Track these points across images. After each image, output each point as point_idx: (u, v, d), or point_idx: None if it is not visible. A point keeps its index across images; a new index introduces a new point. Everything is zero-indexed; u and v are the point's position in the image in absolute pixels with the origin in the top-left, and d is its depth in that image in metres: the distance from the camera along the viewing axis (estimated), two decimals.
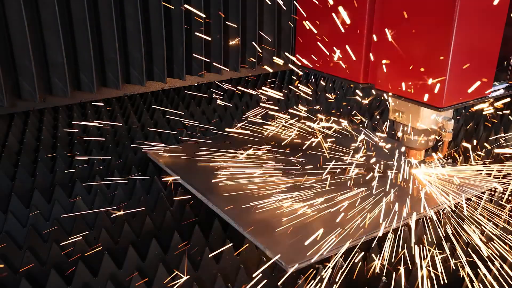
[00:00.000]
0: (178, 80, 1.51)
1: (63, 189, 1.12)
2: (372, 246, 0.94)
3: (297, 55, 1.20)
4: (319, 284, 0.88)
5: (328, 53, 1.13)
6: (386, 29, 0.98)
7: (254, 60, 1.61)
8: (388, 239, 0.96)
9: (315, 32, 1.13)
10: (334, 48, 1.10)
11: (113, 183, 1.17)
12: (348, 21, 1.05)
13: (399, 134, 1.11)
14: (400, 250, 0.97)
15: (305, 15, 1.15)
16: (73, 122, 1.50)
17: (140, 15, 1.27)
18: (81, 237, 0.95)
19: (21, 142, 1.39)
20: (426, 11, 0.92)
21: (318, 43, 1.14)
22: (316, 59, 1.16)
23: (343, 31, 1.07)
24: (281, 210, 1.00)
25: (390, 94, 1.01)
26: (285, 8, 1.60)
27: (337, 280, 0.90)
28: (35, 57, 1.16)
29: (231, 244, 0.94)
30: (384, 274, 0.94)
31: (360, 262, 0.93)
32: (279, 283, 0.90)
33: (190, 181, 1.11)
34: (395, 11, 0.96)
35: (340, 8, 1.05)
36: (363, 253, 0.94)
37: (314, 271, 0.89)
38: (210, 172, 1.16)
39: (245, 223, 0.94)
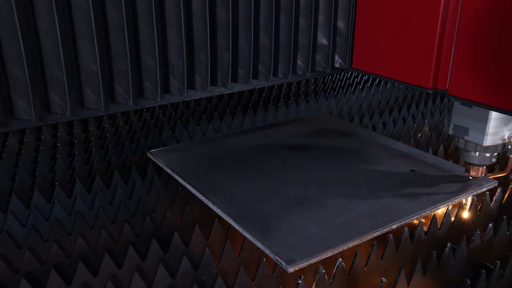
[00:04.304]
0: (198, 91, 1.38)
1: (63, 189, 1.12)
2: (373, 245, 0.94)
3: (355, 59, 1.14)
4: (319, 284, 0.88)
5: (392, 57, 1.06)
6: (463, 30, 0.90)
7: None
8: (389, 238, 0.96)
9: (378, 33, 1.07)
10: (400, 51, 1.04)
11: (113, 183, 1.17)
12: (417, 21, 0.98)
13: (459, 147, 1.05)
14: (400, 249, 0.98)
15: (366, 15, 1.09)
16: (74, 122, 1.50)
17: (182, 20, 1.16)
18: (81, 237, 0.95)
19: (21, 142, 1.39)
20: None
21: (381, 45, 1.07)
22: (376, 62, 1.09)
23: (410, 32, 1.00)
24: (281, 210, 1.00)
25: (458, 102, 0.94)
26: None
27: (337, 280, 0.90)
28: (66, 66, 1.06)
29: (231, 244, 0.94)
30: (384, 274, 0.95)
31: (361, 262, 0.93)
32: (279, 283, 0.90)
33: (190, 181, 1.11)
34: (474, 12, 0.89)
35: (409, 6, 0.99)
36: (363, 252, 0.94)
37: (315, 271, 0.89)
38: (210, 172, 1.16)
39: (245, 223, 0.94)
